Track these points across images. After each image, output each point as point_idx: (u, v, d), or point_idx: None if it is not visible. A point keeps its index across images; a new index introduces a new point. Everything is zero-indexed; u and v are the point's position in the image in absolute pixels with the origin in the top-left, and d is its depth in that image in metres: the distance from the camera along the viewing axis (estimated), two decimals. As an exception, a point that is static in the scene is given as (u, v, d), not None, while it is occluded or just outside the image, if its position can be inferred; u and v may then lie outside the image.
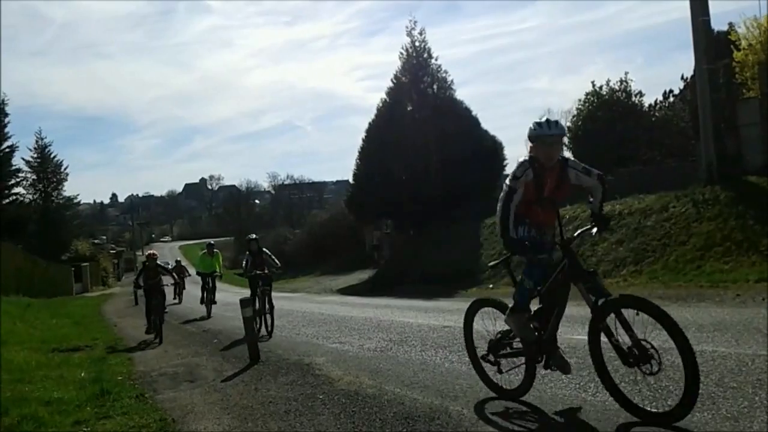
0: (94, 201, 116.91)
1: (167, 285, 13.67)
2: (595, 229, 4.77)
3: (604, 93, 31.39)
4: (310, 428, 4.99)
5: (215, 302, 17.16)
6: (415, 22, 31.24)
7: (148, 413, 5.88)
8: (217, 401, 6.30)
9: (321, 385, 6.41)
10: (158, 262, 13.43)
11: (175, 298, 22.87)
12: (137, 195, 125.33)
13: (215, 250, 18.10)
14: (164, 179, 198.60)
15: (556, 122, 4.60)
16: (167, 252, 66.77)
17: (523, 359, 4.99)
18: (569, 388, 5.29)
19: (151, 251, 13.92)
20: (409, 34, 30.61)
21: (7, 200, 39.52)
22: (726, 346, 6.37)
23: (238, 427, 5.28)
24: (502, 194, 4.61)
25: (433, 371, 6.54)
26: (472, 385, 5.67)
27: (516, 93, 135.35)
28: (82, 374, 8.01)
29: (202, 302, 17.35)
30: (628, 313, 4.16)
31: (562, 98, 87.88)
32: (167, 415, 5.74)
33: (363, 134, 30.97)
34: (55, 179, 47.92)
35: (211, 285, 17.19)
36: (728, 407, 4.37)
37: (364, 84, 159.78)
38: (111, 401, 6.39)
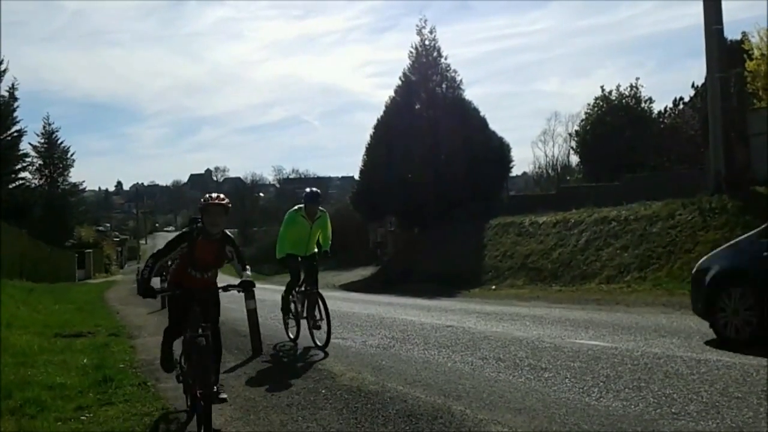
0: (99, 188, 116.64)
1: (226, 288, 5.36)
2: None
3: (614, 98, 31.37)
4: (312, 422, 4.99)
5: (319, 317, 8.11)
6: (426, 20, 31.05)
7: (150, 401, 5.88)
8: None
9: (323, 380, 6.41)
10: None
11: None
12: (142, 184, 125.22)
13: (321, 208, 8.56)
14: (170, 169, 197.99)
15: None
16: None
17: None
18: (573, 392, 5.28)
19: (217, 195, 5.27)
20: (420, 32, 30.57)
21: (14, 185, 39.57)
22: (730, 357, 6.35)
23: (240, 418, 5.28)
24: None
25: (435, 370, 6.54)
26: (475, 386, 5.67)
27: (525, 95, 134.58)
28: (85, 360, 8.03)
29: (288, 313, 8.68)
30: None
31: (571, 101, 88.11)
32: (169, 404, 5.75)
33: (370, 131, 30.96)
34: (61, 165, 47.99)
35: (303, 278, 8.51)
36: (732, 417, 4.36)
37: (373, 80, 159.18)
38: (113, 388, 6.39)
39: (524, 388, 5.54)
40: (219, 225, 5.19)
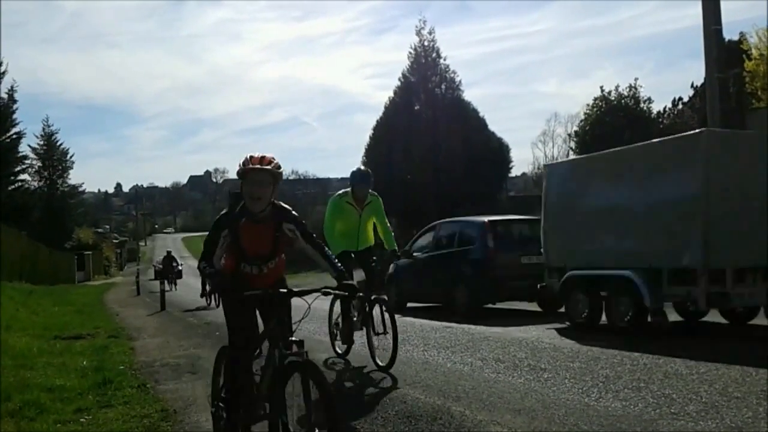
0: (99, 190, 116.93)
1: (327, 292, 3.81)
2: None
3: (613, 98, 31.33)
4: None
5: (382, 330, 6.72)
6: (425, 21, 31.40)
7: (149, 403, 5.87)
8: (218, 394, 6.28)
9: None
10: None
11: (170, 287, 23.13)
12: (142, 185, 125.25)
13: (372, 191, 6.97)
14: (169, 170, 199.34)
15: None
16: (170, 243, 66.74)
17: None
18: (572, 393, 5.28)
19: (261, 157, 3.63)
20: (419, 33, 30.66)
21: (13, 187, 39.58)
22: (729, 357, 6.36)
23: (239, 420, 5.27)
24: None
25: (435, 371, 6.53)
26: (474, 387, 5.67)
27: (523, 96, 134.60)
28: (84, 362, 8.02)
29: (338, 338, 7.39)
30: None
31: (569, 102, 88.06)
32: (169, 406, 5.73)
33: (369, 132, 31.02)
34: (60, 167, 48.13)
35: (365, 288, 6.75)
36: (732, 417, 4.36)
37: (372, 82, 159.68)
38: (113, 390, 6.38)
39: (523, 388, 5.54)
40: (263, 199, 3.65)
